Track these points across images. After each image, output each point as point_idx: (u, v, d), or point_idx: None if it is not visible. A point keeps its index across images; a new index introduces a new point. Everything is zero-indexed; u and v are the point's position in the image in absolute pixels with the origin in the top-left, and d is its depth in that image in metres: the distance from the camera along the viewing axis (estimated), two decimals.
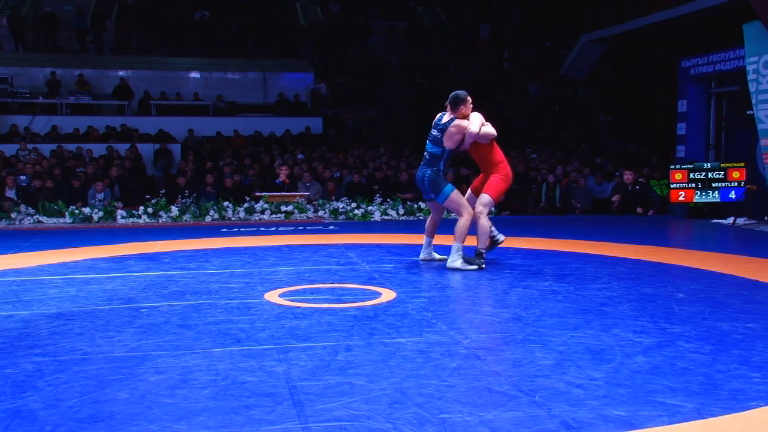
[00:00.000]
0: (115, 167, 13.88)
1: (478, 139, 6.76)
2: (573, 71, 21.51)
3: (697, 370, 3.46)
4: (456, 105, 6.77)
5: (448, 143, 6.77)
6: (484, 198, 6.79)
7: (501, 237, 7.11)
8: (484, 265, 6.66)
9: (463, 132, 6.73)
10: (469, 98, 6.85)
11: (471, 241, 6.88)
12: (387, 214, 12.24)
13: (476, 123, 6.74)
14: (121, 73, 19.65)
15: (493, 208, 6.89)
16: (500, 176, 6.79)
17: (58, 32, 20.14)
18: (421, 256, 7.20)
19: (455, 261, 6.67)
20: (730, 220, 11.31)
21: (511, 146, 16.81)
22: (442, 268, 6.71)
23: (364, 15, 22.47)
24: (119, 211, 11.69)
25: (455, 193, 6.77)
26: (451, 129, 6.71)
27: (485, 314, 4.78)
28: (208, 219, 11.77)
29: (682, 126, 13.63)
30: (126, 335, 4.20)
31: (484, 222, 6.76)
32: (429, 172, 6.83)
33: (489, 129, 6.79)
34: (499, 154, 6.87)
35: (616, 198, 12.91)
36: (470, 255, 6.77)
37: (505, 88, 20.53)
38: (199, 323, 4.47)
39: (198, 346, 3.93)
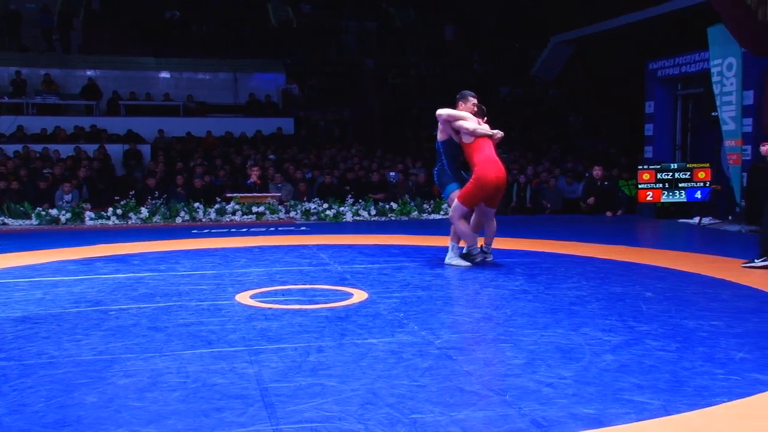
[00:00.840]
0: (83, 168, 13.69)
1: (459, 129, 6.77)
2: (543, 72, 21.69)
3: (663, 368, 3.51)
4: (457, 101, 6.96)
5: (440, 135, 6.91)
6: (453, 203, 6.87)
7: (479, 256, 6.96)
8: (478, 259, 6.85)
9: (444, 119, 6.78)
10: (471, 98, 6.94)
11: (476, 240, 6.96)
12: (359, 215, 12.23)
13: (456, 112, 6.82)
14: (89, 72, 19.36)
15: (463, 211, 6.84)
16: (472, 180, 6.78)
17: (23, 30, 19.78)
18: (477, 259, 6.94)
19: (451, 258, 6.93)
20: (696, 219, 11.47)
21: None
22: (414, 269, 6.72)
23: (335, 15, 22.45)
24: (87, 213, 11.54)
25: (456, 192, 6.85)
26: (438, 114, 6.80)
27: (457, 314, 4.79)
28: (178, 220, 11.66)
29: (649, 127, 13.82)
30: (94, 338, 4.15)
31: (457, 226, 6.83)
32: (435, 168, 7.11)
33: (467, 123, 6.78)
34: (481, 156, 6.75)
35: (590, 200, 13.04)
36: (476, 252, 6.91)
37: (476, 89, 20.64)
38: (169, 325, 4.43)
39: (168, 349, 3.89)
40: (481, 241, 7.07)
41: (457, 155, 6.94)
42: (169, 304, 5.10)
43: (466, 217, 6.91)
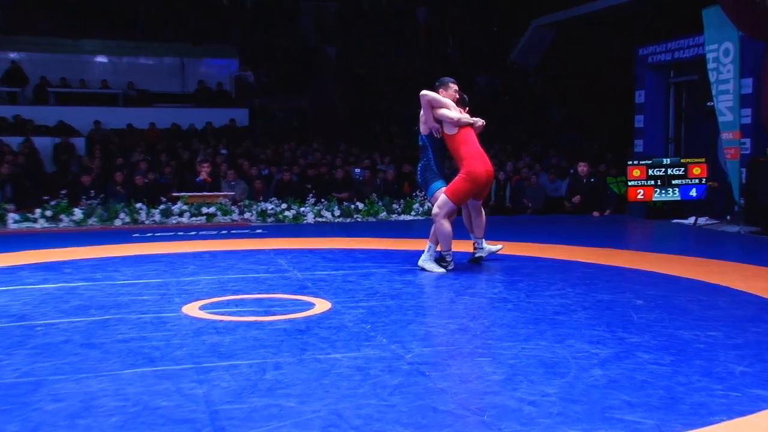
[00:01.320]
0: (7, 164, 13.43)
1: (442, 118, 6.84)
2: (523, 59, 21.85)
3: (657, 383, 3.53)
4: (437, 89, 7.05)
5: (423, 128, 6.97)
6: (440, 198, 6.88)
7: (452, 264, 7.00)
8: (451, 267, 6.88)
9: (427, 101, 6.85)
10: (452, 85, 7.08)
11: (461, 246, 6.93)
12: (321, 216, 12.20)
13: (440, 98, 6.90)
14: (12, 55, 18.97)
15: (451, 209, 6.87)
16: (462, 174, 6.82)
17: None
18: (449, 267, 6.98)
19: (425, 261, 6.96)
20: (691, 220, 11.62)
21: None
22: (382, 276, 6.71)
23: None
24: (11, 215, 11.33)
25: (442, 190, 6.92)
26: (422, 95, 6.87)
27: (429, 325, 4.79)
28: (117, 223, 11.53)
29: (639, 118, 13.97)
30: (17, 358, 4.06)
31: (440, 225, 6.85)
32: (420, 164, 7.15)
33: (451, 112, 6.86)
34: (468, 149, 6.84)
35: (576, 199, 13.14)
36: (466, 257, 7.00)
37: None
38: (105, 342, 4.36)
39: (104, 368, 3.82)
40: (468, 247, 7.08)
41: (442, 149, 7.05)
42: (106, 317, 5.02)
43: (450, 217, 6.94)
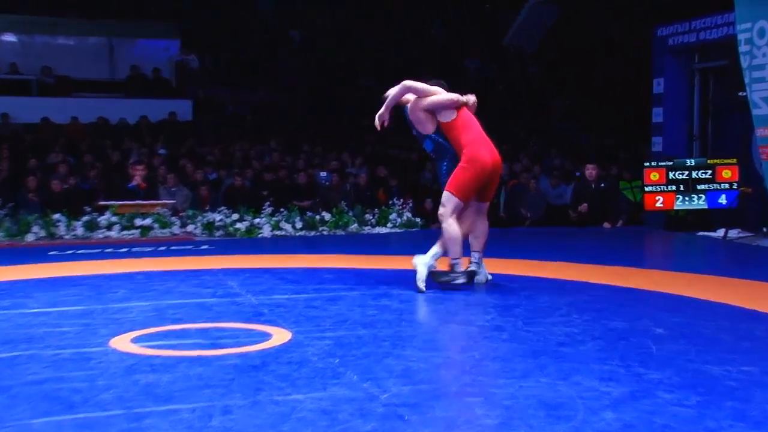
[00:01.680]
0: None
1: (434, 106, 6.97)
2: (520, 42, 21.99)
3: (680, 429, 3.54)
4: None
5: (426, 128, 7.08)
6: (443, 196, 6.95)
7: (462, 277, 7.09)
8: (461, 280, 6.90)
9: (413, 90, 7.02)
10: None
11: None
12: (280, 229, 12.19)
13: (425, 86, 7.05)
14: None
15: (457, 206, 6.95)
16: (462, 163, 6.89)
17: None
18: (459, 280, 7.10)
19: (420, 260, 7.03)
20: (721, 232, 11.69)
21: None
22: (353, 300, 6.70)
23: None
24: None
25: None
26: (408, 87, 7.02)
27: (409, 359, 4.77)
28: (30, 238, 11.47)
29: (658, 112, 14.05)
30: None
31: (448, 226, 6.89)
32: (443, 166, 7.20)
33: (441, 96, 6.99)
34: (470, 135, 6.94)
35: (582, 207, 13.15)
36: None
37: (435, 64, 20.80)
38: (13, 384, 4.30)
39: (10, 417, 3.77)
40: (465, 263, 7.14)
41: (448, 147, 7.17)
42: (15, 354, 4.95)
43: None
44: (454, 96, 7.01)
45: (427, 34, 22.71)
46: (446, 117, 6.97)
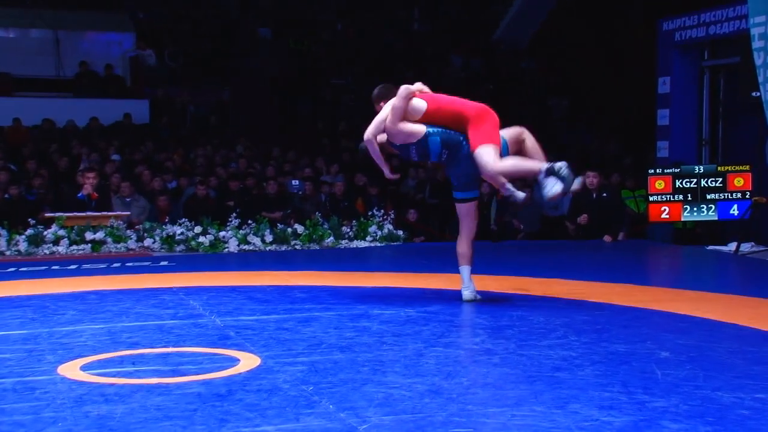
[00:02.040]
0: None
1: (394, 115, 7.16)
2: (511, 36, 22.06)
3: None
4: (378, 101, 7.49)
5: (413, 138, 7.27)
6: (477, 153, 7.05)
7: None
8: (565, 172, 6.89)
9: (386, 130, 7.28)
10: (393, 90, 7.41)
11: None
12: (248, 243, 12.15)
13: (380, 117, 7.30)
14: None
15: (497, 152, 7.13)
16: (472, 123, 7.16)
17: None
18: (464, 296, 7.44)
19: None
20: (732, 246, 11.74)
21: None
22: (328, 321, 6.71)
23: None
24: None
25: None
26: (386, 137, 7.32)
27: (390, 386, 4.79)
28: None
29: (664, 114, 14.09)
30: None
31: (504, 167, 7.08)
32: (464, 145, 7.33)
33: (391, 104, 7.22)
34: (452, 104, 7.30)
35: (582, 219, 13.06)
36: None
37: (416, 59, 20.84)
38: None
39: None
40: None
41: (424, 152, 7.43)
42: None
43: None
44: (402, 91, 7.20)
45: (407, 25, 22.74)
46: (416, 112, 7.20)
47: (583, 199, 13.23)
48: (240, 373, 5.06)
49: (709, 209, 12.54)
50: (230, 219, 12.38)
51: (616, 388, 4.67)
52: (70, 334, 6.26)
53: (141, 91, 19.19)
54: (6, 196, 13.00)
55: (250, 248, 12.13)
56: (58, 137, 16.85)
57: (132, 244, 11.97)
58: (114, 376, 5.03)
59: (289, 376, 4.98)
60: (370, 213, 13.08)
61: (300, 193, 14.35)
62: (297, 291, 8.28)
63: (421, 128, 7.21)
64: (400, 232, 12.97)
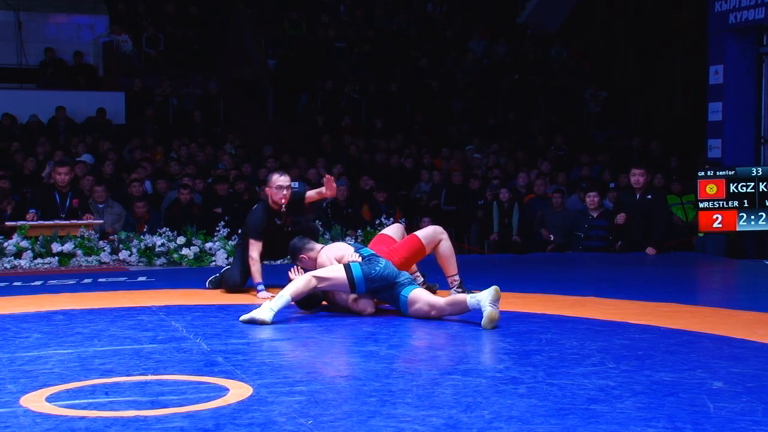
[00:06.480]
0: None
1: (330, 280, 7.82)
2: (539, 20, 22.09)
3: None
4: (299, 255, 8.38)
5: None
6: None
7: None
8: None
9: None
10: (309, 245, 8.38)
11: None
12: None
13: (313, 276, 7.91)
14: None
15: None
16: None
17: None
18: None
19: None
20: None
21: (440, 142, 16.96)
22: (328, 344, 6.71)
23: None
24: None
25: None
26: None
27: (402, 419, 4.79)
28: None
29: (715, 107, 14.06)
30: None
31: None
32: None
33: (323, 272, 7.92)
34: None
35: (620, 217, 12.67)
36: None
37: (431, 46, 20.85)
38: None
39: None
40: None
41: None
42: None
43: None
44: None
45: (422, 8, 22.77)
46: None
47: (625, 199, 12.94)
48: (229, 405, 5.05)
49: None
50: (218, 228, 12.39)
51: (661, 423, 4.66)
52: (35, 360, 6.26)
53: (115, 83, 19.22)
54: None
55: None
56: (21, 133, 16.88)
57: (105, 257, 11.97)
58: (85, 408, 5.02)
59: (285, 407, 4.97)
60: (377, 221, 13.07)
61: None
62: (293, 310, 8.27)
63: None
64: None
